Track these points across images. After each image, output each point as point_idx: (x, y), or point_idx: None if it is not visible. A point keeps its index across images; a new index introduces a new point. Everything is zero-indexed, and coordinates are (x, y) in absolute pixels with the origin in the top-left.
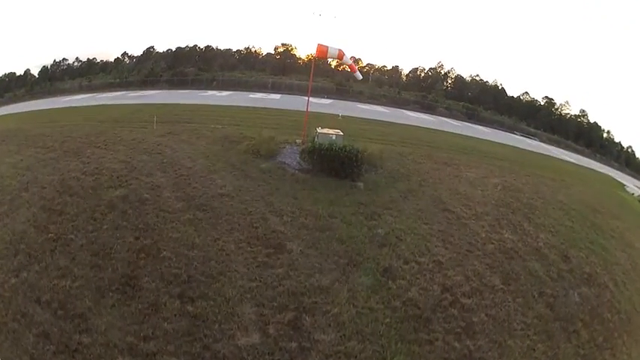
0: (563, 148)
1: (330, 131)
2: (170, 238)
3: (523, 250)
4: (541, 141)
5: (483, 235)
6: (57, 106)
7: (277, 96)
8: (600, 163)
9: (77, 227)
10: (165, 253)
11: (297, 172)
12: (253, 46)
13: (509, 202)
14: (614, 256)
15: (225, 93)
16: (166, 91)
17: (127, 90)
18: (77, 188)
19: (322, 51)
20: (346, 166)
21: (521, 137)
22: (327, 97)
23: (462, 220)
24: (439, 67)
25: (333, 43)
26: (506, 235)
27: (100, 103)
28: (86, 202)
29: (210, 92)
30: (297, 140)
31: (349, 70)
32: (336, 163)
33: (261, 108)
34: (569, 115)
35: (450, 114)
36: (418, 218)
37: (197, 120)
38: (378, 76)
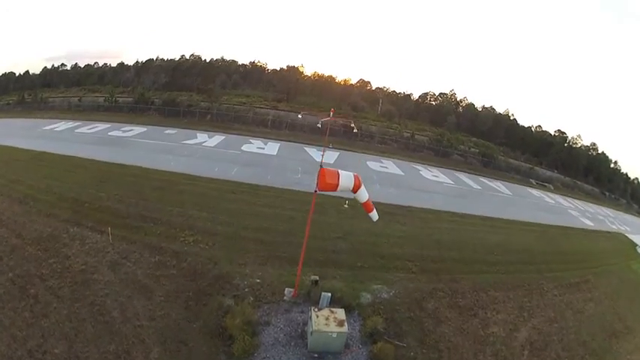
0: (577, 197)
1: (332, 322)
2: None
3: None
4: (555, 189)
5: None
6: (21, 146)
7: (275, 147)
8: (609, 207)
9: None
10: None
11: None
12: (259, 61)
13: None
14: None
15: (215, 140)
16: (153, 127)
17: (114, 116)
18: None
19: (330, 183)
20: None
21: (538, 186)
22: (332, 147)
23: None
24: (451, 95)
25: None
26: None
27: (72, 153)
28: None
29: (199, 137)
30: (285, 296)
31: (364, 209)
32: None
33: (252, 186)
34: (580, 145)
35: (465, 161)
36: None
37: (165, 220)
38: (389, 108)
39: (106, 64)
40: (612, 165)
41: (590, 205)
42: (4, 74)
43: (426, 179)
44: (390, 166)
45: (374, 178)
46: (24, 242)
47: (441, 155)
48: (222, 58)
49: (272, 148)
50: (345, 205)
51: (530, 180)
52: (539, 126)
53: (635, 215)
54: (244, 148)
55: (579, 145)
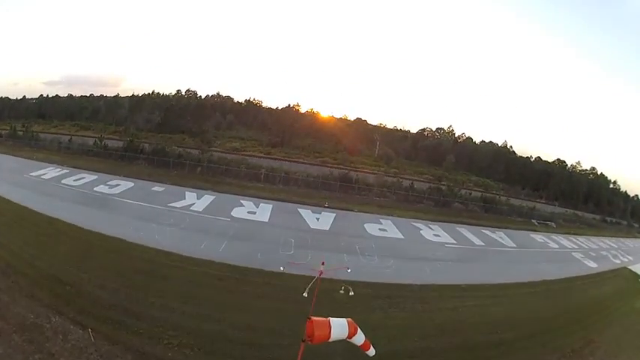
0: (579, 233)
1: None
2: None
3: None
4: (558, 226)
5: None
6: (6, 196)
7: (267, 211)
8: (612, 236)
9: None
10: None
11: None
12: (254, 99)
13: None
14: None
15: (204, 202)
16: (140, 183)
17: (102, 163)
18: None
19: (320, 335)
20: None
21: (540, 227)
22: (328, 207)
23: None
24: (449, 130)
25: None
26: None
27: (56, 213)
28: None
29: (187, 197)
30: None
31: (360, 348)
32: None
33: (241, 270)
34: (579, 170)
35: (467, 209)
36: None
37: (148, 315)
38: (386, 150)
39: (102, 95)
40: (612, 185)
41: (593, 240)
42: (1, 99)
43: (427, 241)
44: (389, 227)
45: (372, 248)
46: (10, 327)
47: (441, 205)
48: (217, 94)
49: (264, 212)
50: (341, 291)
51: (533, 220)
52: (539, 157)
53: (637, 237)
54: (234, 213)
55: (579, 170)
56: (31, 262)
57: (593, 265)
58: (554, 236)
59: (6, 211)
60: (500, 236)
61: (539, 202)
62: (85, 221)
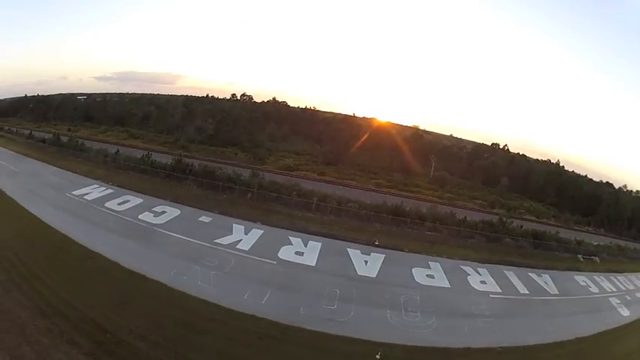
0: (620, 269)
1: None
2: None
3: None
4: (601, 261)
5: None
6: (45, 219)
7: (315, 251)
8: None
9: None
10: None
11: None
12: (311, 106)
13: None
14: None
15: (251, 238)
16: (187, 210)
17: (149, 182)
18: None
19: None
20: None
21: (585, 262)
22: (379, 245)
23: None
24: (504, 148)
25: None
26: None
27: (97, 247)
28: None
29: (234, 231)
30: None
31: None
32: None
33: (282, 328)
34: (626, 190)
35: (517, 244)
36: None
37: None
38: (442, 173)
39: (155, 94)
40: None
41: (632, 277)
42: (48, 98)
43: (472, 290)
44: (437, 272)
45: (417, 301)
46: None
47: (492, 241)
48: (273, 99)
49: (312, 252)
50: (377, 356)
51: (579, 256)
52: (589, 179)
53: None
54: (281, 253)
55: (625, 190)
56: (70, 302)
57: (626, 312)
58: (595, 276)
59: (46, 239)
60: (545, 281)
61: (586, 232)
62: (127, 259)
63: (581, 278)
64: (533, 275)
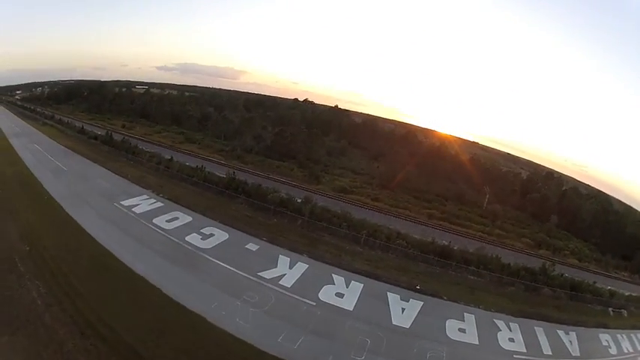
0: None
1: None
2: None
3: None
4: (629, 314)
5: None
6: (89, 230)
7: (355, 293)
8: None
9: None
10: None
11: None
12: (375, 114)
13: None
14: None
15: (295, 274)
16: (235, 235)
17: (200, 197)
18: None
19: None
20: None
21: (614, 316)
22: (420, 289)
23: None
24: (557, 179)
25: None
26: None
27: (141, 269)
28: None
29: (279, 264)
30: None
31: None
32: None
33: None
34: None
35: (554, 295)
36: None
37: None
38: (494, 207)
39: (219, 88)
40: None
41: None
42: (104, 88)
43: (499, 350)
44: (469, 327)
45: (442, 358)
46: None
47: (530, 290)
48: (336, 107)
49: (352, 294)
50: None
51: (609, 309)
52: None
53: None
54: (322, 294)
55: None
56: (110, 324)
57: None
58: (618, 334)
59: (90, 254)
60: (571, 340)
61: (622, 279)
62: (170, 286)
63: (605, 337)
64: (561, 333)
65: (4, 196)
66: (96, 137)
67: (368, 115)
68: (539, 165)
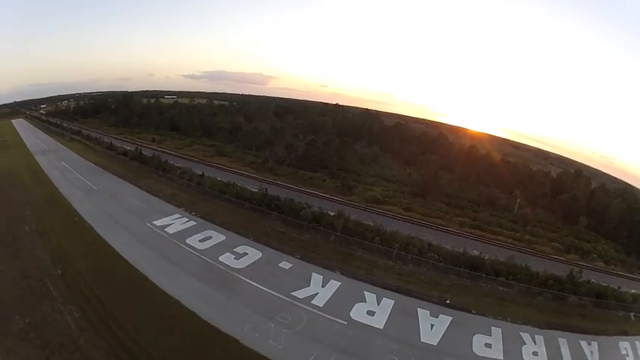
0: None
1: None
2: None
3: None
4: None
5: None
6: (124, 254)
7: (386, 311)
8: None
9: None
10: None
11: None
12: (406, 114)
13: None
14: None
15: (327, 292)
16: (269, 253)
17: (233, 214)
18: None
19: None
20: None
21: (635, 320)
22: (449, 303)
23: None
24: (585, 182)
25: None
26: None
27: (175, 292)
28: None
29: (312, 283)
30: None
31: None
32: None
33: None
34: None
35: (580, 303)
36: None
37: None
38: (525, 212)
39: (248, 94)
40: None
41: None
42: (132, 100)
43: None
44: (495, 341)
45: None
46: None
47: (558, 299)
48: (366, 111)
49: (383, 312)
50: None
51: (631, 314)
52: None
53: None
54: (353, 313)
55: None
56: (145, 349)
57: None
58: (637, 341)
59: (123, 277)
60: (592, 350)
61: None
62: (205, 309)
63: (624, 345)
64: (583, 344)
65: (34, 217)
66: (125, 153)
67: (399, 115)
68: (569, 159)
